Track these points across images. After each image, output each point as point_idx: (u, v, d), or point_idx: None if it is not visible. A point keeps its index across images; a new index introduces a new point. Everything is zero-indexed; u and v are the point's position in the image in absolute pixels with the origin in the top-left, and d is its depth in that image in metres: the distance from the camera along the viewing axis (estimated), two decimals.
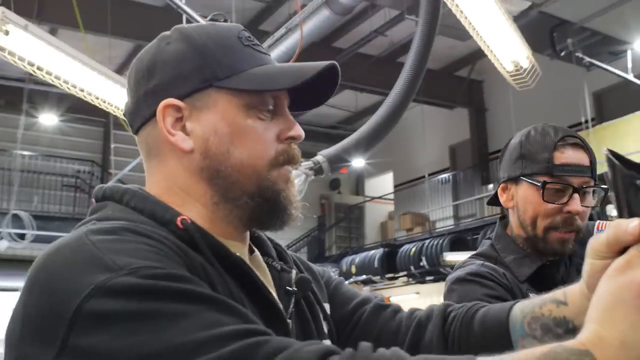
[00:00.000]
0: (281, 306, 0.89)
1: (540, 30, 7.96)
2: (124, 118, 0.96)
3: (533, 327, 0.90)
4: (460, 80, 13.16)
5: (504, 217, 1.73)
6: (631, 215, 0.66)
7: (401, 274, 12.83)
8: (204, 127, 0.89)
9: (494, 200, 1.72)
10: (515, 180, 1.59)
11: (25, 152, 12.94)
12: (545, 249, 1.56)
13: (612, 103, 11.18)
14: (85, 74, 3.04)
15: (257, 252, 0.99)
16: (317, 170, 4.22)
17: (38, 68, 2.67)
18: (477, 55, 12.10)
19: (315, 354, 0.64)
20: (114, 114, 3.54)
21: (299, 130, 0.93)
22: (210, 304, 0.68)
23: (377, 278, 13.36)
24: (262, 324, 0.76)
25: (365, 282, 13.46)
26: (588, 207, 1.55)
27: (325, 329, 1.00)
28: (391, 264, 12.79)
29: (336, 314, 1.06)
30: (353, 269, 13.77)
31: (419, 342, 1.01)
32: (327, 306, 1.04)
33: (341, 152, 4.16)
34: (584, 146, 1.56)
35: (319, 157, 4.14)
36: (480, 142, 13.64)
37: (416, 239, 13.11)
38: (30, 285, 0.73)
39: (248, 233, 0.97)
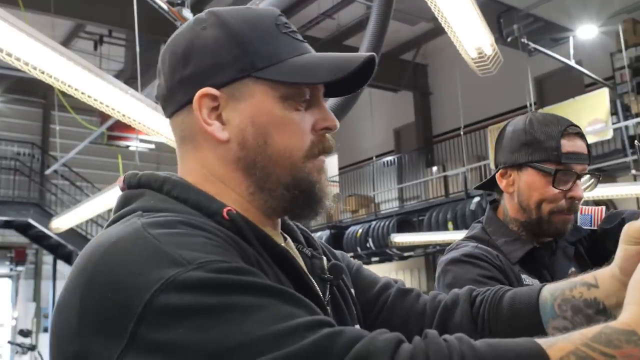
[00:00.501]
0: (321, 294, 0.91)
1: (487, 15, 8.10)
2: (156, 101, 0.95)
3: (563, 308, 0.94)
4: (405, 63, 13.31)
5: (494, 201, 1.77)
6: None
7: (348, 255, 12.94)
8: (241, 117, 0.88)
9: (486, 185, 1.77)
10: (518, 166, 1.62)
11: None
12: (549, 230, 1.61)
13: (552, 88, 11.49)
14: (30, 45, 2.90)
15: (289, 240, 1.00)
16: None
17: None
18: (422, 39, 12.27)
19: (390, 342, 0.66)
20: (59, 88, 3.42)
21: (334, 121, 0.93)
22: (279, 296, 0.69)
23: None
24: None
25: None
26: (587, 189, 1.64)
27: (355, 313, 1.03)
28: (338, 245, 12.89)
29: (361, 298, 1.08)
30: None
31: (447, 325, 1.04)
32: (352, 291, 1.07)
33: None
34: (583, 135, 1.62)
35: None
36: (425, 125, 13.84)
37: (362, 221, 13.26)
38: (88, 279, 0.72)
39: (279, 221, 0.98)
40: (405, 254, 12.17)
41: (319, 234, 13.64)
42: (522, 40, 7.66)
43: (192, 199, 0.85)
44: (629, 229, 0.76)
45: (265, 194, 0.90)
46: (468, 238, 1.71)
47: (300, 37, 0.95)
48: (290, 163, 0.89)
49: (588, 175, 1.66)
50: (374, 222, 12.36)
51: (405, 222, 11.97)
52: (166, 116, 0.95)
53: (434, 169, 12.81)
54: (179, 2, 4.09)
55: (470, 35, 2.88)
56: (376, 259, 12.84)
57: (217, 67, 0.88)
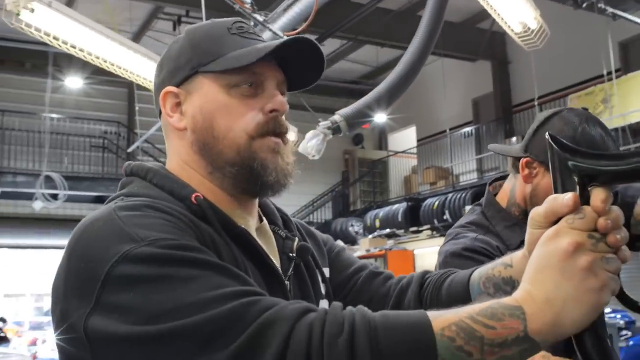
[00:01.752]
0: (280, 270, 1.03)
1: None
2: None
3: (487, 285, 1.05)
4: (482, 32, 13.02)
5: (493, 181, 1.81)
6: (565, 191, 0.78)
7: (424, 227, 12.96)
8: (193, 107, 1.04)
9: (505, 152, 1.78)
10: (547, 165, 1.57)
11: (54, 115, 13.18)
12: None
13: (638, 53, 11.01)
14: (107, 45, 3.16)
15: (265, 221, 1.12)
16: (335, 129, 4.31)
17: (63, 42, 2.79)
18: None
19: (296, 311, 0.77)
20: (135, 81, 3.69)
21: (279, 103, 1.04)
22: (215, 269, 0.82)
23: (400, 232, 13.51)
24: (263, 286, 0.94)
25: (389, 236, 13.62)
26: None
27: (323, 291, 1.14)
28: (415, 217, 12.92)
29: (335, 278, 1.20)
30: (377, 223, 13.92)
31: (400, 306, 1.15)
32: (326, 270, 1.18)
33: (359, 110, 4.23)
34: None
35: (336, 117, 4.23)
36: (504, 95, 13.54)
37: (439, 193, 13.20)
38: (70, 252, 0.88)
39: (256, 203, 1.10)
40: None
41: (395, 206, 13.68)
42: (599, 4, 7.37)
43: (167, 186, 1.00)
44: (533, 214, 0.83)
45: (219, 172, 1.03)
46: (468, 224, 1.72)
47: (253, 37, 1.08)
48: (234, 142, 1.01)
49: None
50: (450, 194, 12.28)
51: (483, 194, 11.80)
52: (159, 117, 1.11)
53: (514, 139, 12.55)
54: None
55: (513, 9, 2.86)
56: None
57: (176, 69, 1.06)
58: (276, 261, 1.05)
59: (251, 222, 1.08)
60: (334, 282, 1.19)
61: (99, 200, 13.97)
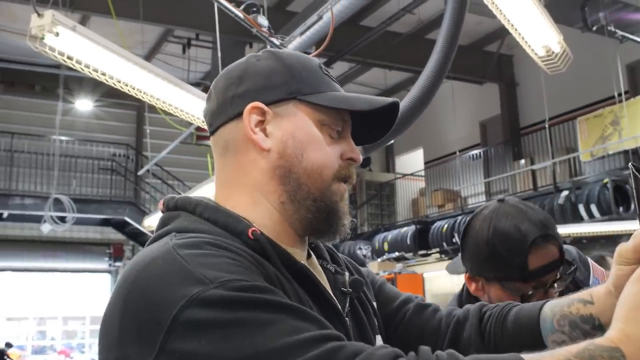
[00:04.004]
0: (340, 306, 0.99)
1: (571, 3, 7.89)
2: (203, 120, 1.07)
3: (562, 323, 1.00)
4: (489, 55, 13.07)
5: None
6: None
7: (433, 250, 12.89)
8: (283, 131, 0.99)
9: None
10: (485, 278, 1.53)
11: (63, 137, 13.23)
12: None
13: None
14: (123, 66, 3.16)
15: (313, 256, 1.08)
16: None
17: (85, 65, 2.80)
18: (506, 30, 11.98)
19: (387, 356, 0.73)
20: (147, 101, 3.69)
21: (359, 155, 1.03)
22: (290, 312, 0.78)
23: (409, 255, 13.45)
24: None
25: (397, 259, 13.55)
26: (560, 289, 1.51)
27: (376, 325, 1.10)
28: (423, 240, 12.85)
29: (382, 312, 1.16)
30: (385, 246, 13.86)
31: (458, 340, 1.11)
32: (374, 304, 1.14)
33: None
34: (555, 238, 1.51)
35: None
36: (512, 117, 13.54)
37: (448, 216, 13.14)
38: (126, 294, 0.82)
39: (307, 239, 1.06)
40: None
41: (404, 229, 13.62)
42: (609, 27, 7.39)
43: (221, 220, 0.94)
44: (621, 249, 0.81)
45: (295, 205, 0.99)
46: None
47: (337, 82, 1.07)
48: (320, 179, 0.99)
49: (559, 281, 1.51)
50: (460, 217, 12.23)
51: None
52: (210, 131, 1.05)
53: (522, 162, 12.54)
54: (254, 9, 4.24)
55: (537, 33, 2.86)
56: None
57: (268, 87, 1.00)
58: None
59: (303, 257, 1.04)
60: (381, 315, 1.15)
61: (106, 223, 14.00)
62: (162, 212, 1.01)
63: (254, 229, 0.92)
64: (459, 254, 1.65)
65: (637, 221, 0.79)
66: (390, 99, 1.01)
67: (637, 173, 0.77)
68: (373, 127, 1.09)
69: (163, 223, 0.98)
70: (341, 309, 0.99)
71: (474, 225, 1.55)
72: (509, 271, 1.46)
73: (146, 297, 0.79)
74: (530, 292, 1.45)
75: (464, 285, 1.65)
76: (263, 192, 0.99)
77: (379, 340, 1.08)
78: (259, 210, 0.98)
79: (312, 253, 1.09)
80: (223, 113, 1.02)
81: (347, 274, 1.08)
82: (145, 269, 0.83)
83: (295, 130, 0.98)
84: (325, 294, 0.96)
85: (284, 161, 0.98)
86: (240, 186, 1.00)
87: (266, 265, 0.88)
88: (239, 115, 0.99)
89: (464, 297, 1.63)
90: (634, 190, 0.78)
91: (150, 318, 0.77)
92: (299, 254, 1.00)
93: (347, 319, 1.00)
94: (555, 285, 1.49)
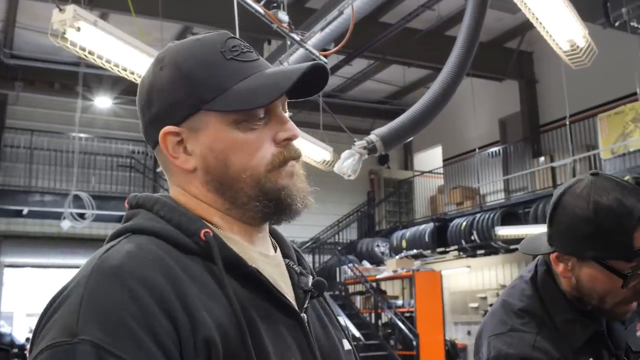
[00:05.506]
0: (294, 305, 0.98)
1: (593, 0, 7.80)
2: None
3: None
4: (509, 52, 12.98)
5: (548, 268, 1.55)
6: None
7: (452, 248, 12.84)
8: (201, 146, 0.97)
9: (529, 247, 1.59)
10: (580, 257, 1.42)
11: (82, 135, 13.31)
12: (608, 317, 1.49)
13: None
14: (144, 61, 3.15)
15: (278, 252, 1.08)
16: (371, 149, 4.27)
17: (106, 61, 2.79)
18: (527, 26, 11.90)
19: None
20: None
21: (293, 130, 1.00)
22: None
23: (427, 252, 13.41)
24: (278, 321, 0.93)
25: (415, 257, 13.51)
26: None
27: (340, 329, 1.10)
28: (442, 238, 12.81)
29: None
30: (403, 244, 13.83)
31: None
32: (339, 319, 1.13)
33: (396, 131, 4.18)
34: None
35: (372, 137, 4.19)
36: (531, 115, 13.43)
37: (466, 213, 13.08)
38: (51, 299, 0.89)
39: (267, 228, 1.06)
40: (512, 247, 11.88)
41: (422, 226, 13.58)
42: (632, 23, 7.30)
43: (176, 219, 0.95)
44: None
45: (240, 208, 0.99)
46: (522, 312, 1.48)
47: (250, 57, 1.01)
48: (253, 178, 0.97)
49: None
50: (478, 215, 12.17)
51: (511, 215, 11.71)
52: (152, 148, 1.06)
53: (541, 159, 12.45)
54: (275, 5, 4.22)
55: (561, 27, 2.82)
56: (481, 251, 12.63)
57: (174, 106, 0.98)
58: (290, 295, 1.01)
59: (265, 249, 1.04)
60: None
61: None
62: (127, 209, 1.02)
63: (206, 230, 0.93)
64: (533, 234, 1.58)
65: None
66: (302, 68, 0.96)
67: None
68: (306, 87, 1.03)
69: (125, 220, 0.99)
70: (296, 307, 0.98)
71: (567, 200, 1.44)
72: (612, 249, 1.37)
73: (46, 316, 0.85)
74: (629, 273, 1.36)
75: (536, 268, 1.55)
76: (209, 203, 1.00)
77: (346, 344, 1.07)
78: (211, 214, 0.99)
79: (277, 247, 1.09)
80: (148, 138, 1.03)
81: (310, 277, 1.07)
82: (69, 286, 0.87)
83: (212, 142, 0.97)
84: (276, 294, 0.95)
85: (211, 176, 0.98)
86: (187, 199, 1.01)
87: (196, 275, 0.89)
88: (159, 142, 1.00)
89: (540, 280, 1.52)
90: None
91: (33, 340, 0.84)
92: (257, 252, 1.01)
93: (304, 315, 0.99)
94: None
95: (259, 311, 0.91)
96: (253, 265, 0.94)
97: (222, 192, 0.98)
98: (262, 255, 1.01)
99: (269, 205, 0.98)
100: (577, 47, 2.90)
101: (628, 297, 1.41)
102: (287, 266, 1.06)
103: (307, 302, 1.02)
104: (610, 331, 1.52)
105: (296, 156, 1.00)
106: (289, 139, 0.99)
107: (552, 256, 1.47)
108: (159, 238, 0.91)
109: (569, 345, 1.41)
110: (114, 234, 0.95)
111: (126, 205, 1.03)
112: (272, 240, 1.09)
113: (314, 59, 5.10)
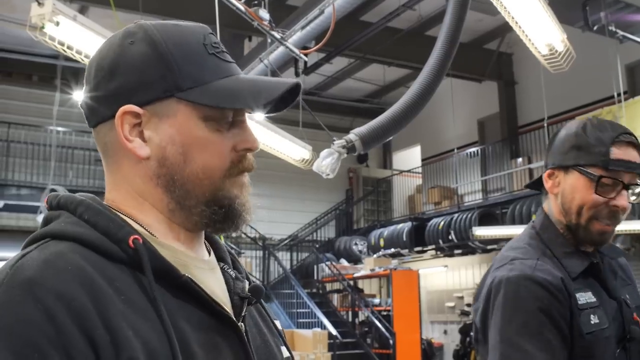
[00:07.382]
0: (231, 313, 0.92)
1: (572, 2, 7.88)
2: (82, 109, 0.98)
3: None
4: (489, 53, 13.07)
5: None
6: None
7: (429, 247, 12.92)
8: (162, 135, 0.90)
9: (535, 185, 1.76)
10: (565, 168, 1.62)
11: (60, 128, 13.18)
12: (585, 237, 1.61)
13: None
14: None
15: (212, 256, 1.02)
16: (350, 148, 4.28)
17: (85, 56, 2.77)
18: (506, 28, 11.98)
19: None
20: None
21: (255, 142, 0.95)
22: None
23: (405, 251, 13.47)
24: (213, 331, 0.87)
25: (393, 256, 13.57)
26: (630, 203, 1.60)
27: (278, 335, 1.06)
28: (419, 237, 12.88)
29: None
30: (381, 243, 13.88)
31: None
32: (276, 323, 1.09)
33: (375, 130, 4.19)
34: (637, 144, 1.60)
35: (352, 136, 4.19)
36: (510, 116, 13.55)
37: (444, 213, 13.17)
38: None
39: (203, 232, 1.00)
40: (489, 247, 11.99)
41: (400, 225, 13.63)
42: (610, 27, 7.37)
43: (101, 224, 0.86)
44: None
45: (185, 211, 0.93)
46: (524, 247, 1.64)
47: (228, 58, 0.96)
48: (209, 182, 0.92)
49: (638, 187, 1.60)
50: (456, 215, 12.25)
51: (489, 215, 11.80)
52: (90, 126, 0.97)
53: (519, 160, 12.56)
54: (256, 2, 4.22)
55: (540, 32, 2.84)
56: (459, 251, 12.73)
57: (142, 85, 0.90)
58: (227, 301, 0.95)
59: (200, 254, 0.98)
60: None
61: None
62: (47, 209, 0.94)
63: (135, 236, 0.85)
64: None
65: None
66: (286, 83, 0.93)
67: None
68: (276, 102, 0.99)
69: (44, 222, 0.91)
70: (233, 315, 0.93)
71: (562, 130, 1.69)
72: (592, 155, 1.57)
73: None
74: (605, 181, 1.55)
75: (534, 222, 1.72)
76: (149, 199, 0.93)
77: (284, 351, 1.04)
78: (147, 215, 0.92)
79: (211, 251, 1.03)
80: (96, 112, 0.93)
81: (246, 281, 1.01)
82: None
83: (176, 134, 0.90)
84: (211, 304, 0.89)
85: (165, 169, 0.91)
86: (125, 191, 0.93)
87: (114, 276, 0.82)
88: (113, 117, 0.90)
89: (540, 223, 1.69)
90: None
91: None
92: (191, 258, 0.95)
93: (241, 324, 0.94)
94: (631, 188, 1.58)
95: (192, 322, 0.86)
96: (186, 275, 0.87)
97: (172, 190, 0.91)
98: (197, 260, 0.95)
99: (218, 213, 0.93)
100: (556, 51, 2.93)
101: (603, 213, 1.57)
102: (222, 270, 1.00)
103: (244, 309, 0.96)
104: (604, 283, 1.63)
105: (250, 169, 0.96)
106: (250, 150, 0.95)
107: (545, 175, 1.68)
108: (82, 245, 0.83)
109: (568, 273, 1.56)
110: (31, 239, 0.87)
111: (45, 205, 0.94)
112: (206, 243, 1.02)
113: (295, 58, 5.10)
